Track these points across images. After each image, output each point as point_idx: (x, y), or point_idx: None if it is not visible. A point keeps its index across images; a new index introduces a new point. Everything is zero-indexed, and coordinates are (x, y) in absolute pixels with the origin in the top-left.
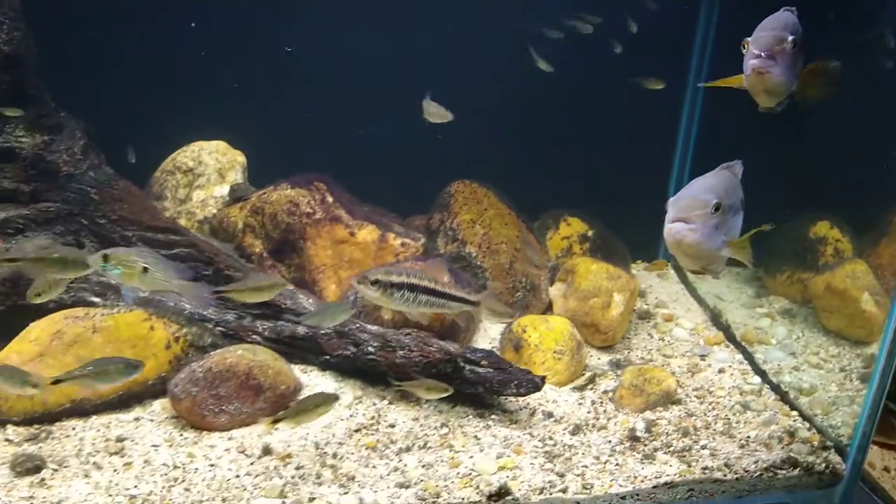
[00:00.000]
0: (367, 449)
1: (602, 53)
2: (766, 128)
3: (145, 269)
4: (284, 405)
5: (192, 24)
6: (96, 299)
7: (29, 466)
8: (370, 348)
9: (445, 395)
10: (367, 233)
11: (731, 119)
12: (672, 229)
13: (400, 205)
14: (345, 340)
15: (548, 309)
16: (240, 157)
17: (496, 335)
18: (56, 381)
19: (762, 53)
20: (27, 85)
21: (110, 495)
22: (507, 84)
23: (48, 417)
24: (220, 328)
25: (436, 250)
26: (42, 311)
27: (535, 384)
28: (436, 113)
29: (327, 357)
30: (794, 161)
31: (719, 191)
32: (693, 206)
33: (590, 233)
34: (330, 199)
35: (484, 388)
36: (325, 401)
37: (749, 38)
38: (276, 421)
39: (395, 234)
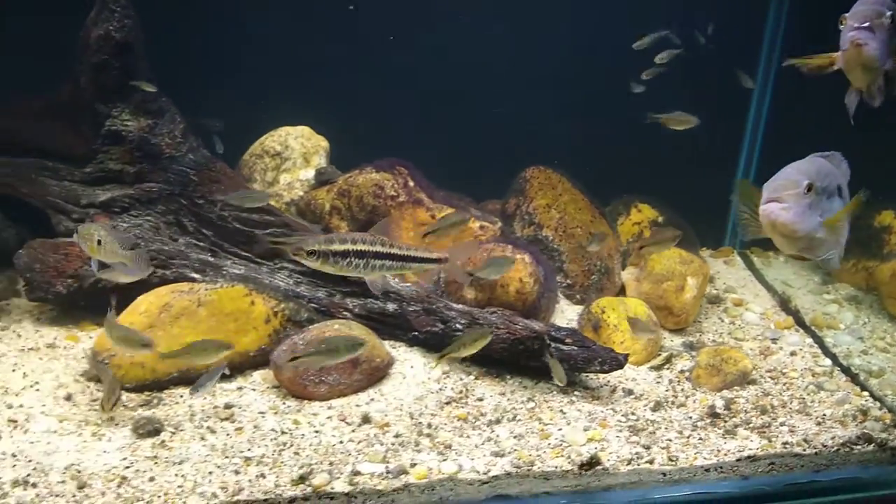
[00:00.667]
0: (458, 420)
1: (674, 44)
2: (834, 117)
3: (99, 242)
4: (378, 378)
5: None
6: (196, 275)
7: (150, 429)
8: (458, 325)
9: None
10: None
11: (801, 108)
12: (766, 209)
13: (473, 190)
14: (433, 318)
15: (620, 292)
16: (323, 142)
17: (573, 316)
18: (164, 356)
19: (861, 25)
20: (135, 70)
21: (227, 457)
22: (580, 74)
23: (157, 385)
24: (312, 304)
25: (512, 234)
26: (148, 285)
27: (619, 362)
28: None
29: (416, 333)
30: (861, 151)
31: (811, 173)
32: (785, 187)
33: (660, 219)
34: (412, 184)
35: (568, 365)
36: (482, 335)
37: (846, 14)
38: (442, 356)
39: (473, 217)
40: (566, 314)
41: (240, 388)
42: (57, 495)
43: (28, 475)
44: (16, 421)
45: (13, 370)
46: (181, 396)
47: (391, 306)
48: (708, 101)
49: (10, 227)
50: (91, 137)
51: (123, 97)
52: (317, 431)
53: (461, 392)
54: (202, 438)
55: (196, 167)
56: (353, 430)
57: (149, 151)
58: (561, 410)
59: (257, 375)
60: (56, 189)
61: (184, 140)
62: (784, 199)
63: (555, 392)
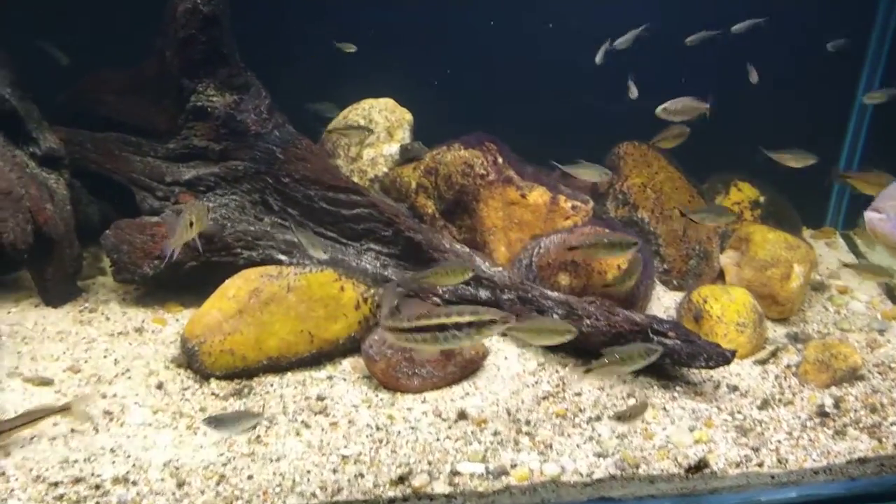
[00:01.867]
0: (557, 417)
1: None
2: None
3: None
4: (472, 371)
5: None
6: (283, 257)
7: None
8: (555, 315)
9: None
10: (538, 195)
11: None
12: (866, 217)
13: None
14: (529, 307)
15: (719, 277)
16: (407, 115)
17: (669, 303)
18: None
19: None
20: (222, 44)
21: (323, 454)
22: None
23: (247, 373)
24: (400, 289)
25: (605, 214)
26: (233, 267)
27: (725, 357)
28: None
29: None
30: None
31: None
32: (887, 197)
33: (761, 199)
34: (501, 160)
35: (671, 360)
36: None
37: None
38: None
39: (565, 196)
40: (662, 301)
41: (329, 378)
42: (157, 493)
43: (128, 472)
44: (111, 413)
45: (104, 356)
46: (271, 385)
47: (484, 293)
48: (815, 77)
49: (92, 202)
50: (175, 113)
51: (209, 72)
52: (412, 427)
53: (557, 386)
54: (297, 434)
55: (282, 144)
56: (449, 427)
57: (234, 128)
58: (664, 408)
59: (346, 364)
60: (140, 165)
61: (269, 117)
62: (884, 210)
63: (655, 387)
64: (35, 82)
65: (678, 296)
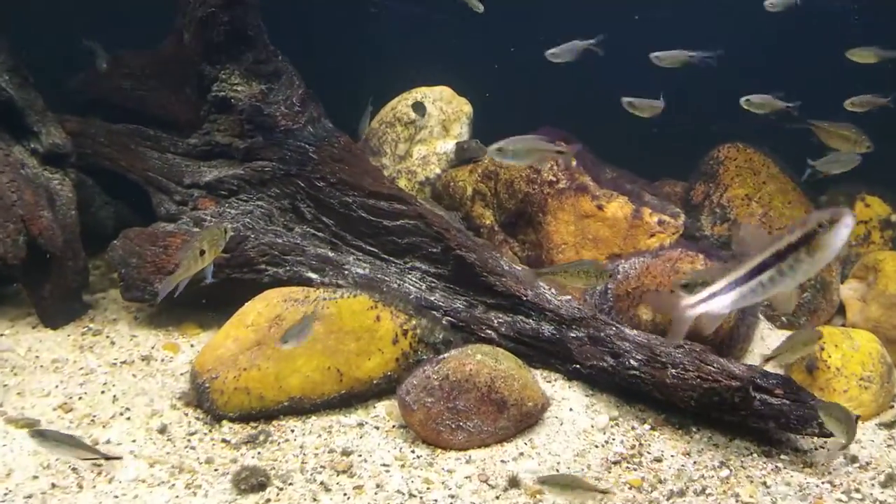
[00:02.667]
0: (631, 489)
1: None
2: None
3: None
4: (529, 425)
5: None
6: (313, 275)
7: (253, 483)
8: (633, 362)
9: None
10: (618, 206)
11: None
12: None
13: (643, 166)
14: (601, 349)
15: (838, 314)
16: (465, 107)
17: (775, 344)
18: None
19: None
20: (247, 25)
21: None
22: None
23: (265, 415)
24: (448, 318)
25: (699, 231)
26: (256, 285)
27: None
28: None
29: (577, 366)
30: None
31: None
32: None
33: (893, 217)
34: (573, 163)
35: (776, 424)
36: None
37: None
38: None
39: (650, 208)
40: (767, 342)
41: (360, 425)
42: None
43: None
44: (100, 465)
45: (102, 391)
46: (292, 431)
47: (547, 329)
48: None
49: (107, 204)
50: (197, 103)
51: (233, 57)
52: (452, 496)
53: (633, 447)
54: (314, 499)
55: (316, 142)
56: (497, 497)
57: (261, 123)
58: (763, 482)
59: (381, 408)
60: (157, 163)
61: (302, 109)
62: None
63: (755, 455)
64: (43, 66)
65: (786, 335)
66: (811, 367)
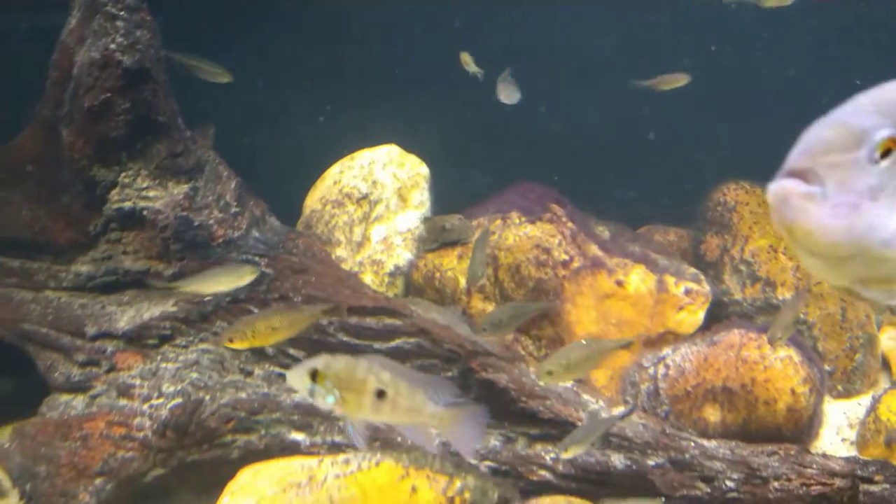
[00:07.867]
0: None
1: None
2: None
3: (381, 393)
4: None
5: None
6: (299, 437)
7: None
8: (729, 483)
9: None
10: (639, 280)
11: None
12: (774, 192)
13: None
14: (689, 474)
15: (883, 367)
16: (422, 168)
17: (838, 420)
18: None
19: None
20: (156, 109)
21: None
22: None
23: None
24: (487, 462)
25: (726, 295)
26: (224, 464)
27: None
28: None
29: (664, 499)
30: None
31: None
32: (824, 146)
33: None
34: (573, 226)
35: None
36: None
37: None
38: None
39: (673, 277)
40: (829, 417)
41: None
42: None
43: None
44: None
45: None
46: None
47: (618, 460)
48: None
49: None
50: (82, 216)
51: (139, 153)
52: None
53: None
54: None
55: (268, 252)
56: None
57: (192, 239)
58: None
59: None
60: (34, 307)
61: (241, 209)
62: (814, 174)
63: None
64: None
65: (846, 406)
66: (890, 441)
